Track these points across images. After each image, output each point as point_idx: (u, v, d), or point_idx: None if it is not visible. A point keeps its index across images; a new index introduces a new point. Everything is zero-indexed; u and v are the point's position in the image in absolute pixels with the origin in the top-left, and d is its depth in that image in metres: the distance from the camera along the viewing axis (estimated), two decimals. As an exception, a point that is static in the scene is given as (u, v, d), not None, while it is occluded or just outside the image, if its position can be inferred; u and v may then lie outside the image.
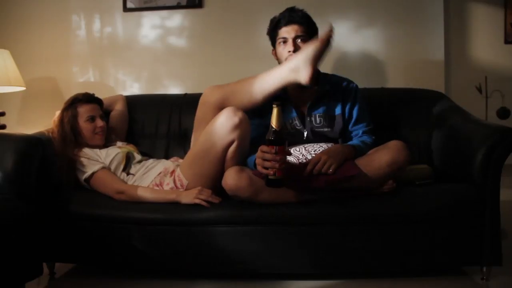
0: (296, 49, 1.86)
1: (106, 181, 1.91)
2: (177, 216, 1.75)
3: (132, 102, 2.38)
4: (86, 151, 1.99)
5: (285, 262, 1.74)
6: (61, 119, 2.03)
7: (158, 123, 2.35)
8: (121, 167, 1.98)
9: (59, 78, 2.78)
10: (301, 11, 1.91)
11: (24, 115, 2.82)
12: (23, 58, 2.69)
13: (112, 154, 2.00)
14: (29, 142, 1.72)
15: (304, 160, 1.77)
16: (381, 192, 1.77)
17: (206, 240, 1.73)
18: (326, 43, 1.70)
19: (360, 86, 2.04)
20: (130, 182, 1.94)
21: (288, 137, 1.76)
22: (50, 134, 2.01)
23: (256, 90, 1.77)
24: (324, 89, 1.93)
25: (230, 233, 1.73)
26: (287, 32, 1.87)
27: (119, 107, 2.31)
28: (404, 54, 2.63)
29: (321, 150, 1.78)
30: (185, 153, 1.94)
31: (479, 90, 2.86)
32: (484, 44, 3.09)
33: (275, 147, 1.52)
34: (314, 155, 1.77)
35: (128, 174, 1.97)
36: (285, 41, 1.89)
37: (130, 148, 2.10)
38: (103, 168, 1.94)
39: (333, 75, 2.04)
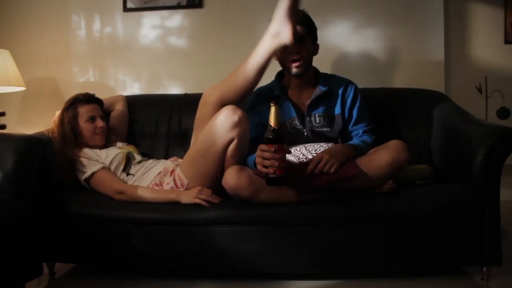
0: (300, 50, 1.85)
1: (106, 181, 1.91)
2: (177, 216, 1.75)
3: (132, 102, 2.38)
4: (86, 151, 1.99)
5: (285, 262, 1.74)
6: (61, 119, 2.03)
7: (158, 123, 2.35)
8: (121, 167, 1.98)
9: (59, 78, 2.78)
10: (302, 11, 1.91)
11: (24, 115, 2.82)
12: (23, 58, 2.69)
13: (112, 154, 2.00)
14: (29, 142, 1.72)
15: (305, 160, 1.77)
16: (381, 192, 1.77)
17: (206, 240, 1.73)
18: None
19: (360, 86, 2.05)
20: (130, 182, 1.94)
21: (287, 137, 1.76)
22: (50, 134, 2.01)
23: (248, 69, 1.76)
24: (323, 89, 1.93)
25: (230, 233, 1.73)
26: None
27: (119, 107, 2.31)
28: (404, 54, 2.63)
29: (321, 150, 1.78)
30: (185, 153, 1.94)
31: (479, 90, 2.86)
32: (484, 44, 3.09)
33: (274, 145, 1.52)
34: (314, 154, 1.77)
35: (128, 174, 1.97)
36: None
37: (130, 148, 2.10)
38: (103, 168, 1.94)
39: (333, 75, 2.04)
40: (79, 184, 1.95)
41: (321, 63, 2.09)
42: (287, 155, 1.60)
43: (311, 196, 1.73)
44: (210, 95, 1.82)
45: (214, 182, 1.80)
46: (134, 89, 2.75)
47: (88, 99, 2.08)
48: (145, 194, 1.83)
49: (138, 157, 2.05)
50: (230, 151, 1.76)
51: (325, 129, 1.93)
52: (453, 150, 1.98)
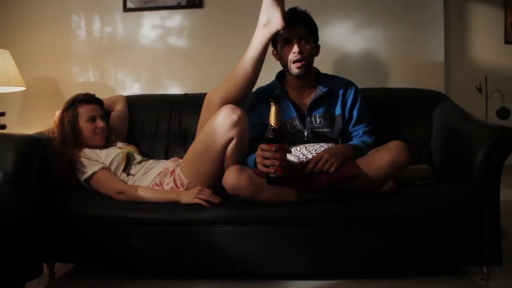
0: (302, 50, 1.85)
1: (106, 181, 1.91)
2: (177, 216, 1.75)
3: (132, 102, 2.38)
4: (86, 151, 1.99)
5: (285, 262, 1.74)
6: (62, 119, 2.02)
7: (158, 123, 2.34)
8: (121, 167, 1.98)
9: (59, 78, 2.78)
10: (304, 12, 1.91)
11: (24, 115, 2.82)
12: (23, 58, 2.69)
13: (113, 154, 2.00)
14: (29, 142, 1.72)
15: (305, 160, 1.77)
16: (381, 192, 1.77)
17: (206, 240, 1.73)
18: None
19: (360, 86, 2.05)
20: (130, 183, 1.94)
21: (288, 137, 1.76)
22: (50, 134, 2.01)
23: (246, 63, 1.76)
24: (324, 89, 1.94)
25: (230, 233, 1.73)
26: (290, 33, 1.86)
27: (119, 107, 2.31)
28: (404, 54, 2.63)
29: (321, 150, 1.78)
30: (185, 153, 1.94)
31: (479, 90, 2.86)
32: (484, 44, 3.09)
33: (274, 145, 1.52)
34: (314, 154, 1.77)
35: (128, 174, 1.97)
36: (287, 41, 1.89)
37: (131, 148, 2.10)
38: (103, 168, 1.94)
39: (333, 76, 2.04)
40: (79, 184, 1.95)
41: (322, 63, 2.09)
42: (287, 154, 1.60)
43: (311, 196, 1.73)
44: (214, 96, 1.82)
45: (214, 182, 1.80)
46: (134, 89, 2.75)
47: (88, 99, 2.08)
48: (145, 194, 1.83)
49: (138, 157, 2.05)
50: (229, 151, 1.76)
51: (326, 129, 1.93)
52: (453, 150, 1.98)
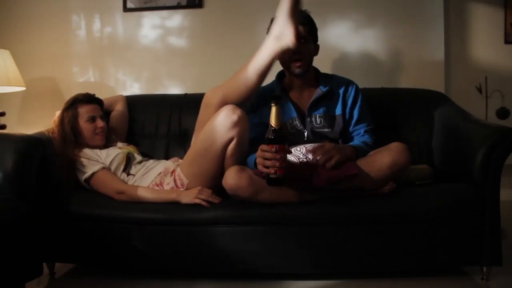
0: (300, 49, 1.85)
1: (106, 181, 1.91)
2: (177, 216, 1.75)
3: (132, 102, 2.38)
4: (86, 151, 1.99)
5: (285, 262, 1.74)
6: (62, 119, 2.02)
7: (158, 123, 2.34)
8: (121, 167, 1.98)
9: (59, 78, 2.78)
10: (303, 11, 1.91)
11: (24, 115, 2.82)
12: (23, 58, 2.69)
13: (113, 154, 2.00)
14: (29, 142, 1.72)
15: (305, 160, 1.77)
16: (381, 193, 1.77)
17: (206, 240, 1.73)
18: None
19: (360, 86, 2.04)
20: (130, 183, 1.94)
21: (288, 137, 1.76)
22: (50, 134, 2.01)
23: (251, 72, 1.74)
24: (325, 89, 1.93)
25: (230, 233, 1.73)
26: None
27: (119, 107, 2.31)
28: (404, 54, 2.63)
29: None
30: (185, 153, 1.94)
31: (479, 90, 2.86)
32: (484, 44, 3.09)
33: (275, 145, 1.52)
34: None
35: (128, 174, 1.97)
36: None
37: (131, 148, 2.10)
38: (103, 168, 1.94)
39: (333, 75, 2.04)
40: (79, 184, 1.95)
41: (321, 63, 2.09)
42: (287, 155, 1.60)
43: (311, 196, 1.73)
44: (213, 96, 1.81)
45: (214, 182, 1.80)
46: (134, 89, 2.75)
47: (88, 99, 2.08)
48: (145, 194, 1.83)
49: (138, 157, 2.05)
50: (229, 151, 1.76)
51: (326, 129, 1.93)
52: (453, 150, 1.98)
